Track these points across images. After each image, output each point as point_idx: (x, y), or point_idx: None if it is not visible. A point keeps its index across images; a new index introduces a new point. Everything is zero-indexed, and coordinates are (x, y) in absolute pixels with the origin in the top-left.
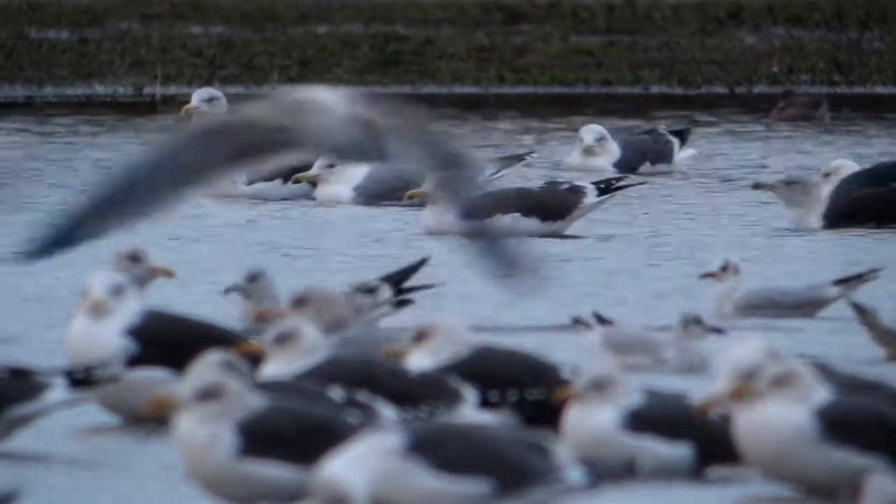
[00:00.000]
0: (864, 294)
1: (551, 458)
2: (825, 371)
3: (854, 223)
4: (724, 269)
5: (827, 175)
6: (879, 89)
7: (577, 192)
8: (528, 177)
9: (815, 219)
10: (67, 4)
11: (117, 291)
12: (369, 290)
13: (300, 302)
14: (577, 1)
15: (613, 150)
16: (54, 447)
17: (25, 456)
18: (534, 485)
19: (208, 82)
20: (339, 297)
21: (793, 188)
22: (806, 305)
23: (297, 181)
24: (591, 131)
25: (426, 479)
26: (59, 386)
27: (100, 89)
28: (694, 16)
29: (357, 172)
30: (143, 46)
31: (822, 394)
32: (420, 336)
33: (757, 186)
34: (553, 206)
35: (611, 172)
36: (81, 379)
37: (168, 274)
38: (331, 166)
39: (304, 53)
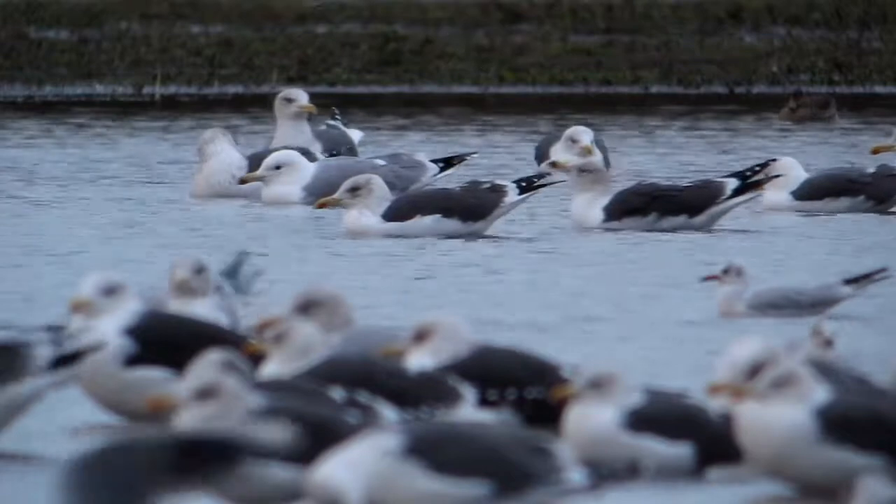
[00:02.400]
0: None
1: (551, 459)
2: (825, 371)
3: (635, 216)
4: (726, 271)
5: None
6: (879, 89)
7: (498, 191)
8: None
9: (595, 212)
10: (67, 4)
11: (109, 291)
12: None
13: (308, 303)
14: (576, 1)
15: (596, 151)
16: (50, 447)
17: (22, 456)
18: (533, 486)
19: (208, 82)
20: (344, 297)
21: (585, 176)
22: (819, 304)
23: (243, 181)
24: (585, 132)
25: (424, 481)
26: (44, 361)
27: (99, 89)
28: (693, 15)
29: (305, 172)
30: (142, 46)
31: (821, 394)
32: (420, 335)
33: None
34: (473, 206)
35: None
36: (66, 355)
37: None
38: (278, 167)
39: (304, 53)
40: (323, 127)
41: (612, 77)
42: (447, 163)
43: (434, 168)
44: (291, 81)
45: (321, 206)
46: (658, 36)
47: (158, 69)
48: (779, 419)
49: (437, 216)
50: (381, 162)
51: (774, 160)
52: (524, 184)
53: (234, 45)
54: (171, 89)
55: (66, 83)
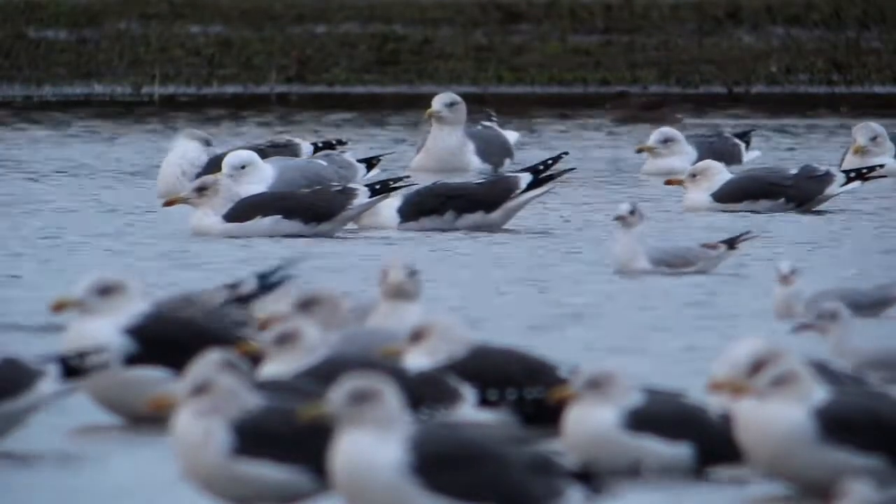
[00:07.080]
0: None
1: (553, 476)
2: (824, 371)
3: (432, 216)
4: (786, 276)
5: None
6: (878, 89)
7: (346, 193)
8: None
9: (391, 214)
10: (66, 4)
11: (104, 291)
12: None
13: (308, 301)
14: (575, 1)
15: (689, 152)
16: (50, 446)
17: (21, 455)
18: None
19: (207, 82)
20: (342, 297)
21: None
22: (878, 304)
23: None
24: (657, 133)
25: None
26: (51, 374)
27: (98, 89)
28: (692, 15)
29: (267, 173)
30: (141, 46)
31: (820, 393)
32: (417, 335)
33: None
34: (317, 207)
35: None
36: (74, 367)
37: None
38: (243, 167)
39: (303, 53)
40: (479, 127)
41: (611, 77)
42: (369, 164)
43: (362, 168)
44: (290, 81)
45: (168, 203)
46: (657, 36)
47: (157, 69)
48: (778, 418)
49: (278, 217)
50: (323, 163)
51: (566, 153)
52: (378, 186)
53: (233, 45)
54: (170, 89)
55: (65, 83)
